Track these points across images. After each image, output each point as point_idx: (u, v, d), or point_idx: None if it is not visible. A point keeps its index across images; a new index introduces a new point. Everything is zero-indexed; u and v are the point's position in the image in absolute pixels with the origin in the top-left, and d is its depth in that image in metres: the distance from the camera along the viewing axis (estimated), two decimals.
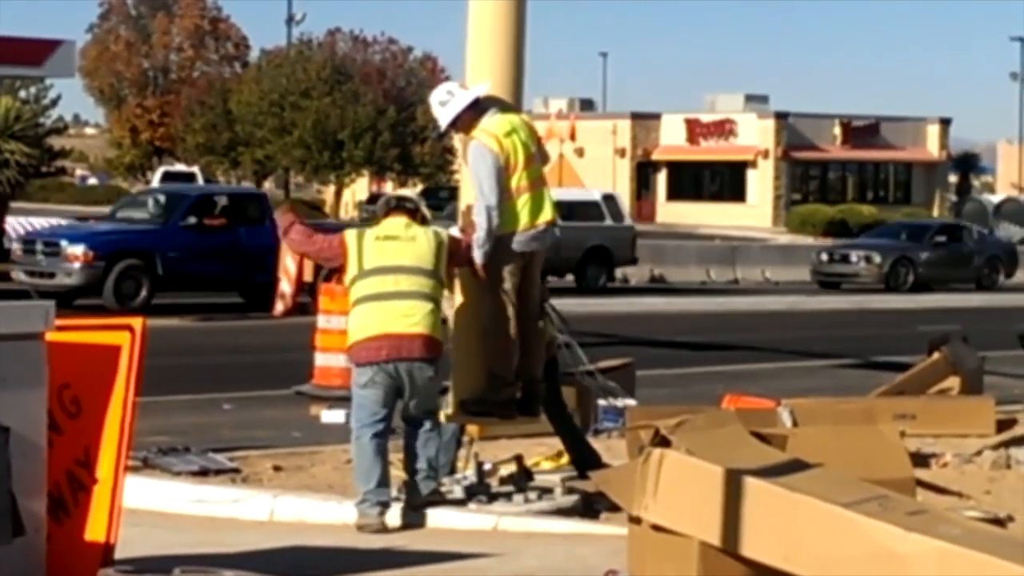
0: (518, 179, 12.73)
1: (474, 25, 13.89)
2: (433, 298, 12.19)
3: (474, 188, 12.88)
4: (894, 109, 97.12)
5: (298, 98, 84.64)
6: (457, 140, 13.72)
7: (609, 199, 47.99)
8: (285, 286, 27.68)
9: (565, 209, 40.66)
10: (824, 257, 52.46)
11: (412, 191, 14.96)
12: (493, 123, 12.88)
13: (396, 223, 12.42)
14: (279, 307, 27.28)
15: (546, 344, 13.66)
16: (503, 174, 12.68)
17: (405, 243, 12.25)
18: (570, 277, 44.85)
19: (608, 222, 45.82)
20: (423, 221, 12.54)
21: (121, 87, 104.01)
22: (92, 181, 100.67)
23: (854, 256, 51.83)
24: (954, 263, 54.43)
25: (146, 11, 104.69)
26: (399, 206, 12.63)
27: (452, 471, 13.10)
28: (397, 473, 12.89)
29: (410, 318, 12.03)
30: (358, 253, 12.28)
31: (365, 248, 12.28)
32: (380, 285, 12.14)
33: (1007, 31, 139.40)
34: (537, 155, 13.16)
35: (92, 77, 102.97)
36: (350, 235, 12.59)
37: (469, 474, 13.25)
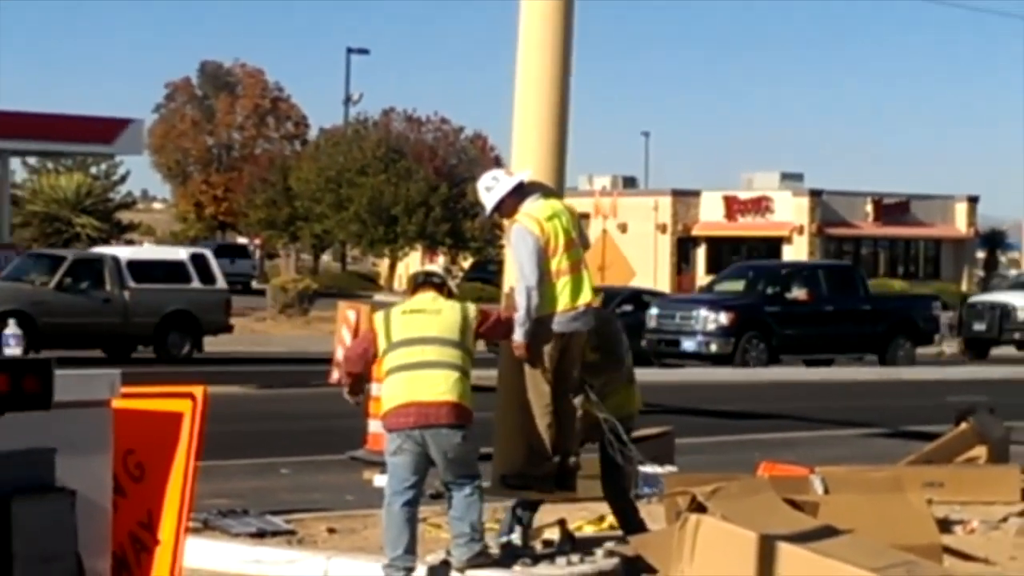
0: (558, 262, 12.74)
1: (520, 110, 13.94)
2: (460, 367, 12.12)
3: (515, 269, 12.97)
4: (924, 187, 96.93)
5: (354, 175, 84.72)
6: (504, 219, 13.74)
7: (198, 258, 42.72)
8: (340, 355, 27.68)
9: (145, 269, 39.65)
10: None
11: (442, 266, 14.86)
12: (536, 207, 12.93)
13: (424, 297, 12.46)
14: (335, 375, 27.25)
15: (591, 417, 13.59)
16: (544, 256, 12.72)
17: (431, 315, 12.26)
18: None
19: (196, 284, 40.78)
20: (449, 295, 12.57)
21: (187, 164, 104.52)
22: None
23: None
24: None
25: (210, 91, 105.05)
26: (427, 281, 12.69)
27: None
28: (444, 535, 12.92)
29: (437, 387, 11.98)
30: (386, 328, 12.31)
31: (393, 322, 12.31)
32: (408, 356, 12.12)
33: None
34: (578, 239, 13.18)
35: (159, 154, 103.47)
36: (378, 316, 12.68)
37: (514, 537, 13.26)
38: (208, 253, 44.55)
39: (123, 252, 42.94)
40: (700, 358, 39.69)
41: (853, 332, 41.40)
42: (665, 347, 41.56)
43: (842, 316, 40.92)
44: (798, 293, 37.30)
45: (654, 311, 43.70)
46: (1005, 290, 56.08)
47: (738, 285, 44.97)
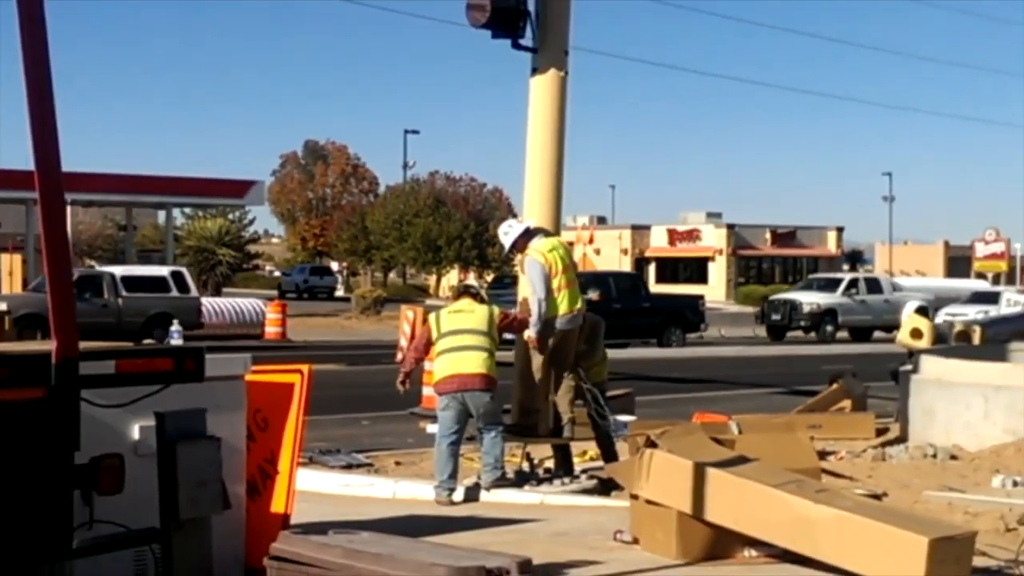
0: (557, 281, 12.87)
1: (529, 172, 13.98)
2: (488, 349, 12.26)
3: (529, 287, 13.08)
4: (806, 220, 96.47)
5: (411, 218, 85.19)
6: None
7: (176, 275, 40.22)
8: (403, 342, 27.71)
9: (135, 282, 38.31)
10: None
11: (474, 280, 14.74)
12: (541, 244, 13.05)
13: (463, 302, 12.69)
14: (399, 355, 27.24)
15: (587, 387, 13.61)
16: (548, 278, 12.80)
17: (468, 314, 12.45)
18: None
19: (174, 293, 38.45)
20: (481, 300, 12.74)
21: (295, 211, 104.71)
22: (276, 274, 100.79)
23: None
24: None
25: (310, 161, 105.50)
26: (466, 291, 13.08)
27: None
28: (476, 465, 12.91)
29: (472, 364, 12.13)
30: (437, 324, 12.49)
31: (442, 320, 12.50)
32: (452, 342, 12.26)
33: (881, 168, 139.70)
34: (571, 265, 13.25)
35: (276, 204, 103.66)
36: (432, 315, 12.93)
37: (524, 468, 13.24)
38: (184, 271, 42.63)
39: (118, 270, 41.44)
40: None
41: (636, 323, 40.70)
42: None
43: (627, 312, 40.22)
44: (592, 295, 36.72)
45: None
46: (797, 290, 55.62)
47: None
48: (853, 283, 52.32)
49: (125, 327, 36.03)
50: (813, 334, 49.40)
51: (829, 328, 49.32)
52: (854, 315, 50.51)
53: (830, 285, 52.43)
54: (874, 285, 53.02)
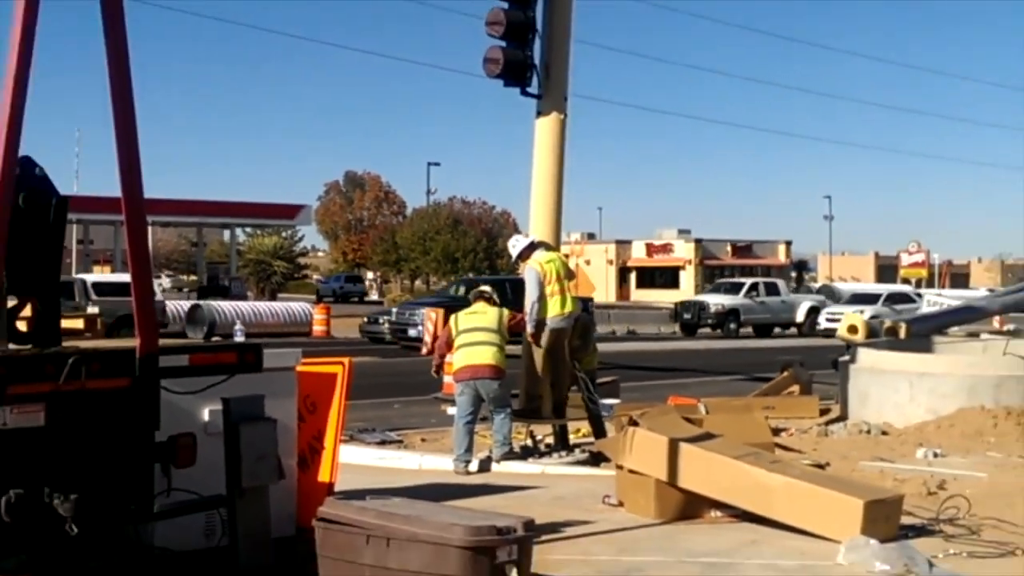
0: (551, 288, 12.84)
1: (534, 196, 14.02)
2: (498, 344, 12.18)
3: (527, 293, 13.00)
4: (760, 235, 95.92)
5: (433, 235, 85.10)
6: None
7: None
8: (427, 338, 27.76)
9: (104, 287, 34.77)
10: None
11: (487, 286, 14.57)
12: (541, 256, 13.07)
13: (479, 305, 12.57)
14: (424, 350, 27.30)
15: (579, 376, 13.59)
16: (542, 283, 12.78)
17: (481, 315, 12.37)
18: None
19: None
20: (493, 303, 12.61)
21: (336, 230, 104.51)
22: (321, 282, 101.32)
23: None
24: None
25: (350, 188, 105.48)
26: (480, 295, 12.81)
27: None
28: (488, 441, 12.87)
29: (483, 356, 12.07)
30: (455, 323, 12.43)
31: (460, 319, 12.43)
32: (468, 339, 12.19)
33: (823, 191, 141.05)
34: (566, 274, 13.18)
35: (321, 224, 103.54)
36: (452, 316, 12.80)
37: (528, 443, 13.22)
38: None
39: (89, 277, 39.65)
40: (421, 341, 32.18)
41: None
42: (400, 335, 35.06)
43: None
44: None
45: (395, 310, 38.38)
46: (707, 293, 54.64)
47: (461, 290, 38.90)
48: (754, 287, 50.78)
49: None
50: (719, 331, 48.03)
51: (732, 325, 47.98)
52: (754, 314, 49.01)
53: (734, 288, 51.00)
54: (772, 288, 51.59)
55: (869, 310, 41.85)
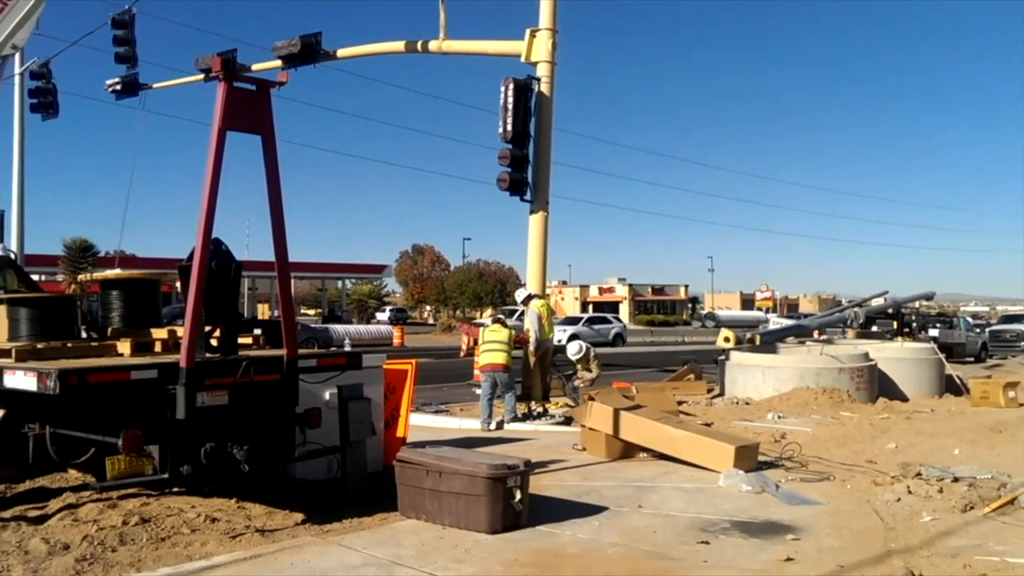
0: (544, 322, 13.16)
1: (529, 260, 13.93)
2: (507, 351, 12.02)
3: (530, 324, 13.16)
4: (670, 280, 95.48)
5: (467, 283, 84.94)
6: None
7: None
8: (464, 347, 27.51)
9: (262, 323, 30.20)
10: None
11: (501, 314, 14.14)
12: (536, 302, 13.28)
13: (496, 326, 12.42)
14: (462, 353, 27.01)
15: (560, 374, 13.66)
16: (540, 319, 12.96)
17: (497, 331, 12.22)
18: None
19: None
20: (505, 325, 12.48)
21: (407, 280, 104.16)
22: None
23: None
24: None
25: (416, 254, 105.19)
26: (497, 320, 12.73)
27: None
28: (501, 411, 12.81)
29: (497, 358, 11.93)
30: (482, 335, 12.36)
31: (484, 334, 12.32)
32: (488, 346, 12.07)
33: (707, 252, 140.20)
34: (550, 313, 13.41)
35: (398, 276, 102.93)
36: (481, 330, 12.73)
37: (526, 412, 13.16)
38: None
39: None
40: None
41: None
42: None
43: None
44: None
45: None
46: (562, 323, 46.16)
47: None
48: (590, 320, 44.91)
49: None
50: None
51: (577, 345, 41.76)
52: (588, 338, 40.23)
53: (574, 321, 44.59)
54: (602, 320, 45.81)
55: (571, 329, 38.18)
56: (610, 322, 45.42)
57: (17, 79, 19.67)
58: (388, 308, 79.77)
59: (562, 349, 14.15)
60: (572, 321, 44.37)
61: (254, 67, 6.88)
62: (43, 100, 17.74)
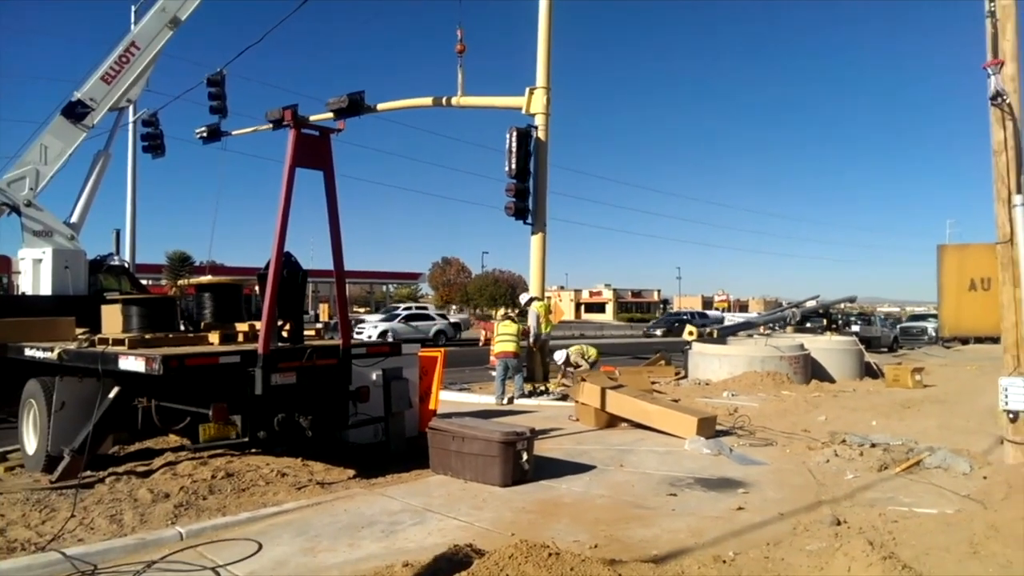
0: (543, 319, 12.94)
1: (532, 268, 13.82)
2: (516, 341, 11.86)
3: (531, 321, 13.07)
4: (646, 285, 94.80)
5: (483, 288, 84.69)
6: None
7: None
8: (482, 339, 26.95)
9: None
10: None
11: (513, 312, 13.44)
12: (536, 304, 13.18)
13: (507, 321, 12.23)
14: (481, 343, 26.32)
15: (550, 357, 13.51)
16: (539, 317, 12.84)
17: (509, 324, 12.05)
18: None
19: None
20: (514, 321, 12.32)
21: (438, 285, 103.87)
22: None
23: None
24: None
25: (445, 266, 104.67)
26: (507, 316, 12.56)
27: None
28: (511, 389, 12.74)
29: (508, 347, 11.78)
30: (496, 328, 12.23)
31: (498, 327, 12.17)
32: (501, 337, 11.92)
33: (675, 263, 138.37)
34: (546, 312, 13.25)
35: (430, 282, 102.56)
36: (495, 323, 12.62)
37: (531, 390, 13.08)
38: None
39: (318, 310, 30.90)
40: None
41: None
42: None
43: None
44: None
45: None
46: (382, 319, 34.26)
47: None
48: (408, 316, 32.65)
49: None
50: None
51: (390, 338, 29.87)
52: (404, 334, 29.84)
53: (391, 317, 32.68)
54: (425, 316, 33.48)
55: (383, 326, 29.24)
56: (432, 319, 32.71)
57: (131, 126, 20.28)
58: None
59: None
60: (390, 317, 31.86)
61: (311, 118, 6.88)
62: (152, 143, 17.92)
